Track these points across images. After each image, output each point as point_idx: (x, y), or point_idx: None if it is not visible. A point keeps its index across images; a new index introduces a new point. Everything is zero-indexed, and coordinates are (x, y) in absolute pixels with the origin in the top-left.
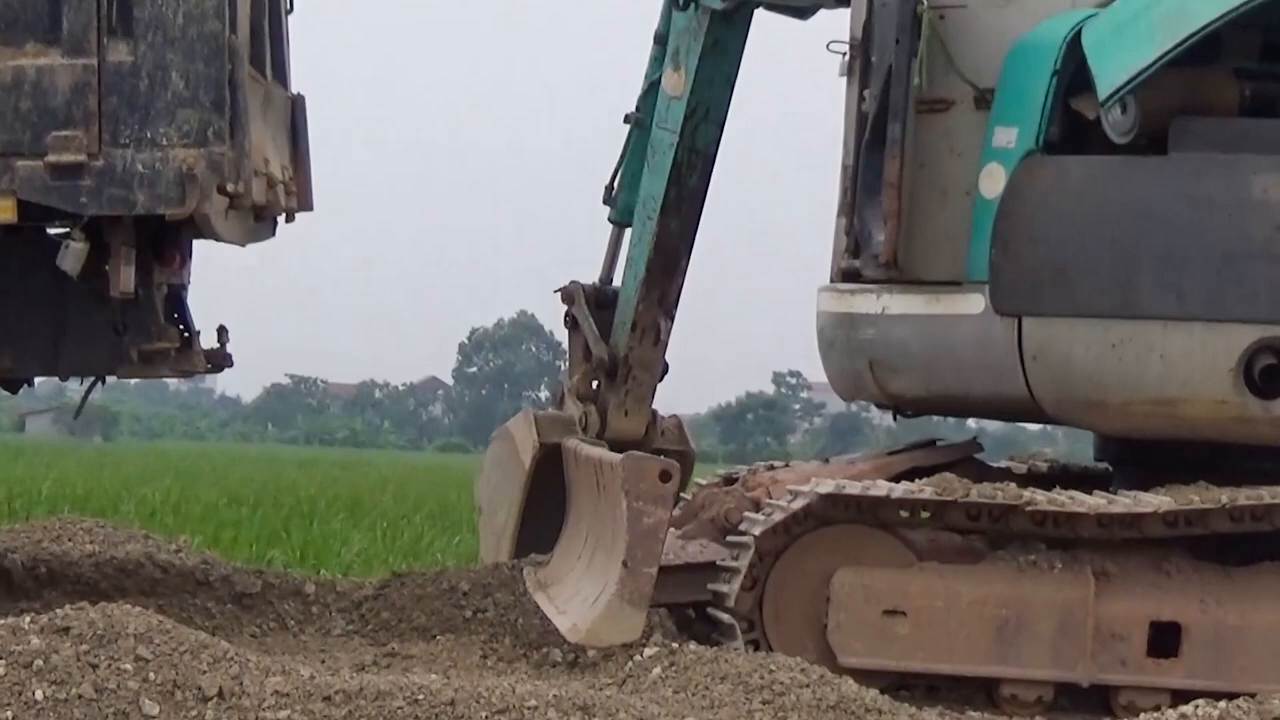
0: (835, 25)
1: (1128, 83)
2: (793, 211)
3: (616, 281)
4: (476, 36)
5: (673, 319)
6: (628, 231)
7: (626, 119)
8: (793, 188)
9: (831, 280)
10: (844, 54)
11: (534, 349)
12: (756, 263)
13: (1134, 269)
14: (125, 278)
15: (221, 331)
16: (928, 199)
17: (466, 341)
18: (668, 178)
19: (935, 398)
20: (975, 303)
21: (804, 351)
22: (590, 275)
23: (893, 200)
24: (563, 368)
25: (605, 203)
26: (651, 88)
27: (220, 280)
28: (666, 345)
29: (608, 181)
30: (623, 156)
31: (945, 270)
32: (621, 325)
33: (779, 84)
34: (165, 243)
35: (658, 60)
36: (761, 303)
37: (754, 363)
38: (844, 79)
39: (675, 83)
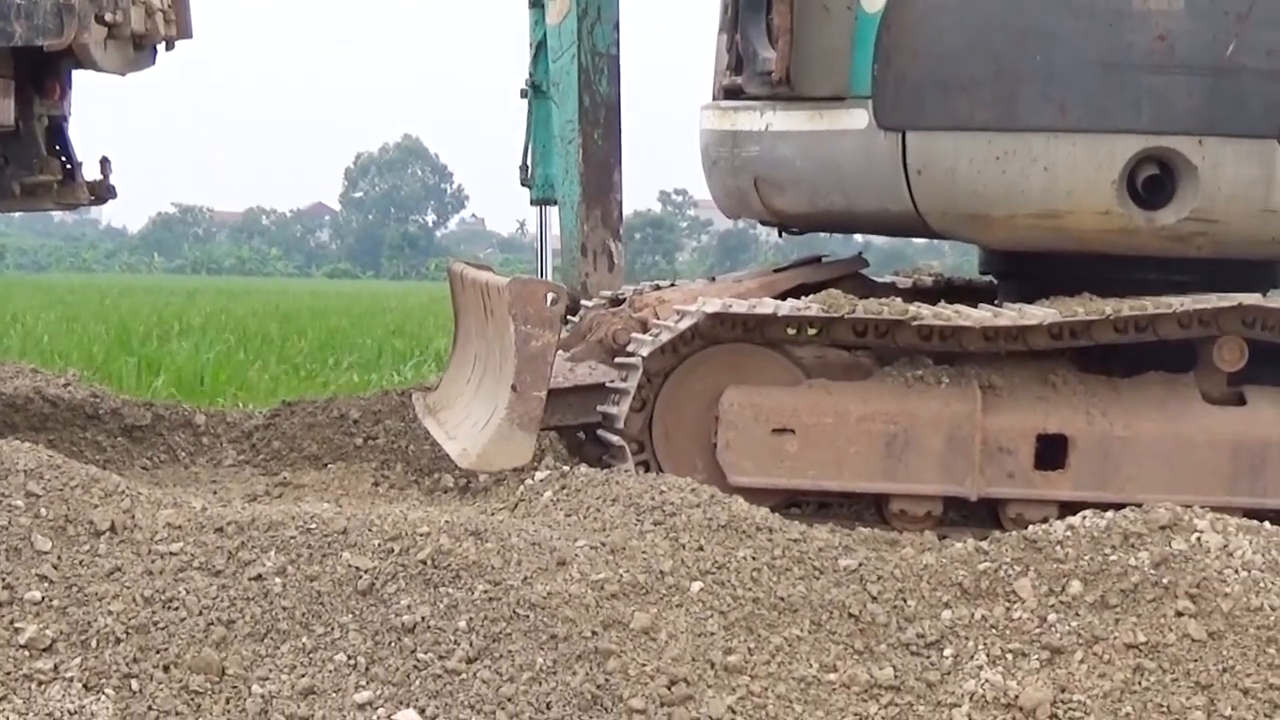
0: None
1: None
2: (675, 28)
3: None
4: None
5: (621, 240)
6: (553, 212)
7: (522, 93)
8: (673, 4)
9: (714, 98)
10: None
11: (420, 172)
12: (641, 81)
13: (1016, 81)
14: (5, 110)
15: (104, 163)
16: (810, 15)
17: (352, 166)
18: (578, 89)
19: (820, 214)
20: (859, 118)
21: (690, 169)
22: (465, 98)
23: (784, 16)
24: (448, 190)
25: (523, 184)
26: (538, 50)
27: (102, 110)
28: (623, 271)
29: (520, 162)
30: (528, 131)
31: (828, 86)
32: (571, 259)
33: None
34: (44, 74)
35: (538, 23)
36: (646, 121)
37: (640, 181)
38: None
39: (558, 8)
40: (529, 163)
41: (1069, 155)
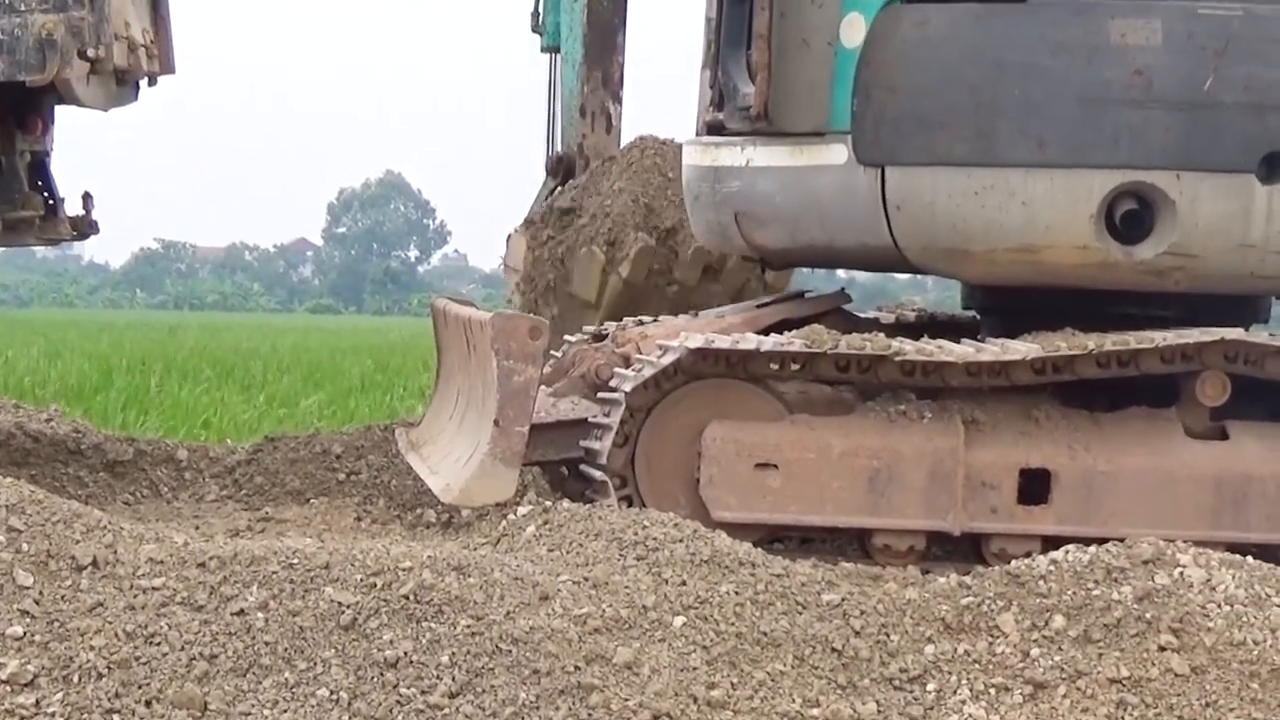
0: None
1: None
2: (658, 66)
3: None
4: None
5: (620, 103)
6: (564, 84)
7: None
8: (657, 40)
9: (697, 134)
10: None
11: (403, 208)
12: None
13: (995, 116)
14: None
15: (87, 198)
16: (790, 50)
17: (335, 202)
18: None
19: (801, 249)
20: (838, 153)
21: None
22: (461, 135)
23: (762, 52)
24: (430, 225)
25: (533, 30)
26: None
27: (85, 146)
28: (620, 134)
29: (531, 9)
30: None
31: (808, 121)
32: (569, 119)
33: None
34: (27, 109)
35: None
36: None
37: None
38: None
39: None
40: (540, 9)
41: (1047, 190)
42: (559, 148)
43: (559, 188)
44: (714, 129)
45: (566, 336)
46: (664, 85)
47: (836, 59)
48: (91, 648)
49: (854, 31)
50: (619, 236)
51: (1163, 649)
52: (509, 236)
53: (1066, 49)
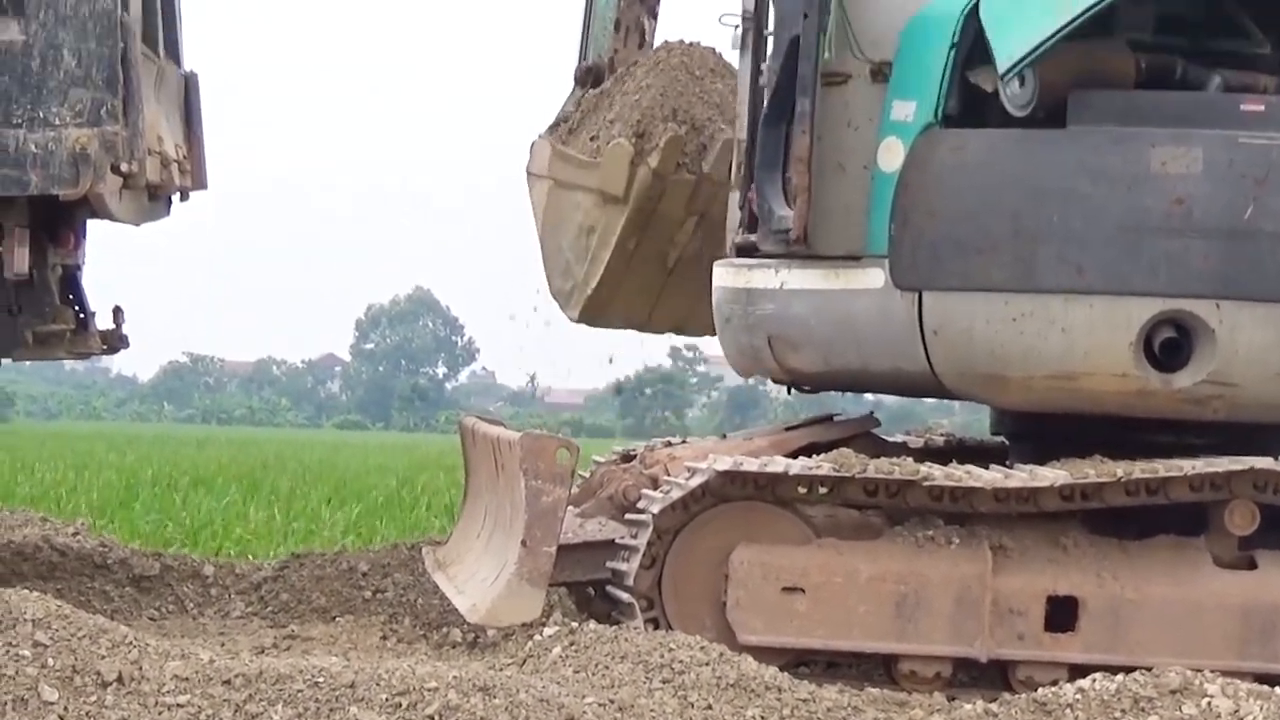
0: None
1: (1027, 56)
2: None
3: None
4: (373, 15)
5: (656, 18)
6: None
7: None
8: None
9: (727, 255)
10: (736, 27)
11: (431, 325)
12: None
13: (1034, 242)
14: (19, 259)
15: (117, 312)
16: (826, 173)
17: (363, 318)
18: None
19: (835, 373)
20: (875, 277)
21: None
22: (472, 252)
23: (802, 175)
24: (459, 342)
25: None
26: None
27: (116, 259)
28: (650, 49)
29: None
30: None
31: (844, 245)
32: (603, 29)
33: None
34: (59, 223)
35: None
36: None
37: (651, 336)
38: (736, 52)
39: None
40: None
41: (1086, 317)
42: (589, 58)
43: (586, 97)
44: (745, 251)
45: (595, 457)
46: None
47: (874, 183)
48: None
49: (892, 156)
50: (648, 128)
51: None
52: (533, 143)
53: (1107, 176)
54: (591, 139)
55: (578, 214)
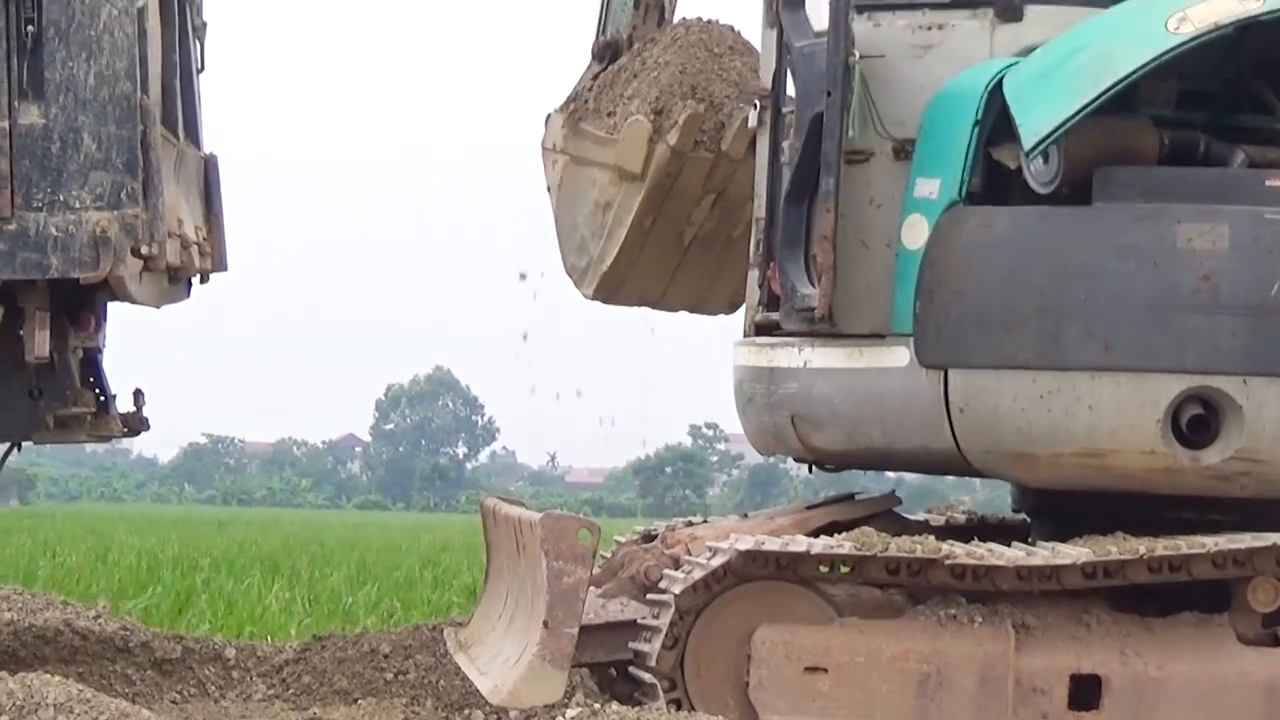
0: None
1: (1052, 132)
2: None
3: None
4: (389, 98)
5: None
6: None
7: None
8: None
9: (746, 334)
10: (754, 105)
11: (451, 404)
12: (670, 314)
13: (1061, 319)
14: (40, 342)
15: (138, 395)
16: (849, 251)
17: (383, 398)
18: None
19: (860, 452)
20: (900, 355)
21: (720, 402)
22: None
23: (827, 254)
24: (479, 422)
25: None
26: None
27: (135, 340)
28: (669, 25)
29: None
30: None
31: (867, 323)
32: (623, 5)
33: None
34: (80, 306)
35: None
36: (677, 355)
37: (670, 414)
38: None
39: None
40: None
41: (1114, 394)
42: (608, 33)
43: (603, 72)
44: (765, 329)
45: (616, 537)
46: None
47: (898, 261)
48: None
49: (916, 233)
50: (666, 105)
51: None
52: (548, 116)
53: (1133, 253)
54: (608, 115)
55: (594, 190)
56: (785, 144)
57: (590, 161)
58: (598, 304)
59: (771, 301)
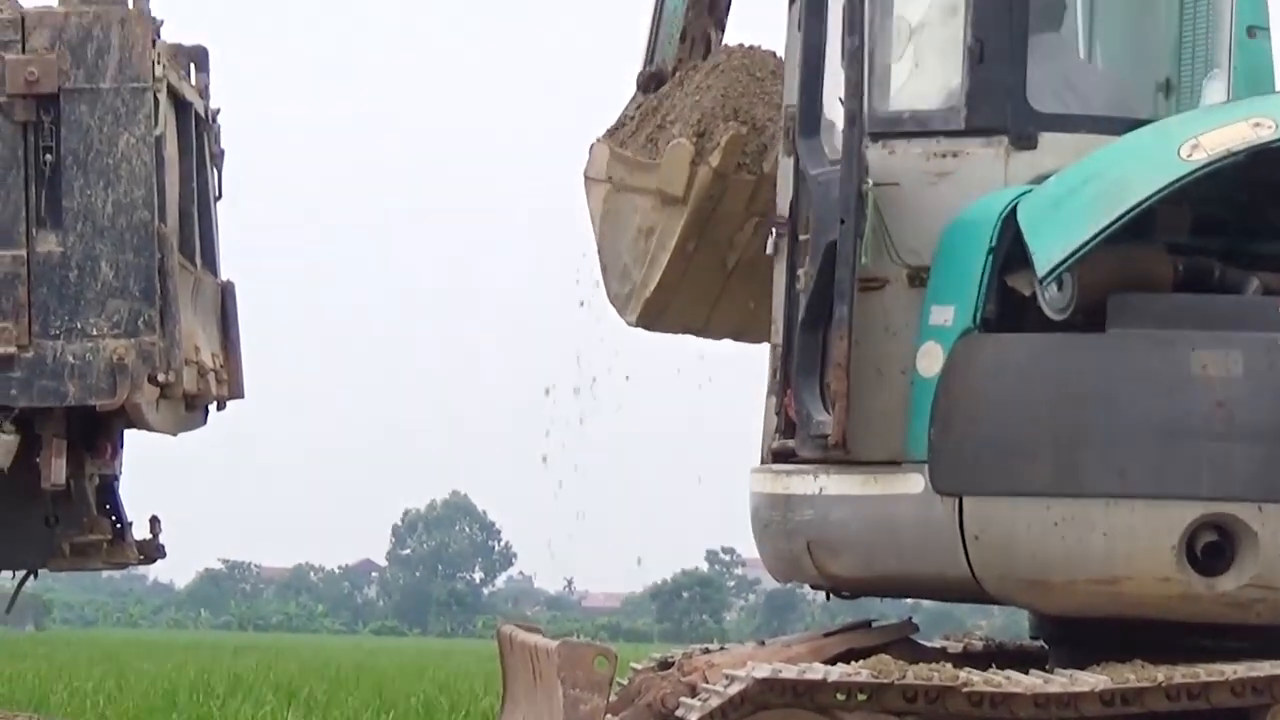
0: None
1: (1066, 260)
2: (721, 389)
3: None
4: (410, 236)
5: (724, 30)
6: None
7: None
8: (719, 368)
9: (763, 461)
10: (771, 232)
11: (467, 530)
12: (687, 441)
13: (1075, 446)
14: (56, 470)
15: (154, 522)
16: (863, 379)
17: (400, 523)
18: None
19: (876, 579)
20: (915, 482)
21: (737, 528)
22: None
23: (840, 381)
24: (496, 547)
25: None
26: None
27: (151, 467)
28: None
29: None
30: None
31: (882, 450)
32: (669, 38)
33: None
34: (96, 433)
35: None
36: (693, 480)
37: (687, 540)
38: (771, 256)
39: None
40: None
41: (1128, 521)
42: (654, 64)
43: (646, 101)
44: (781, 456)
45: (633, 664)
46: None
47: (913, 388)
48: None
49: (931, 361)
50: (709, 128)
51: None
52: (591, 146)
53: (1148, 379)
54: (649, 141)
55: (635, 216)
56: (801, 270)
57: (633, 188)
58: (617, 430)
59: (788, 428)
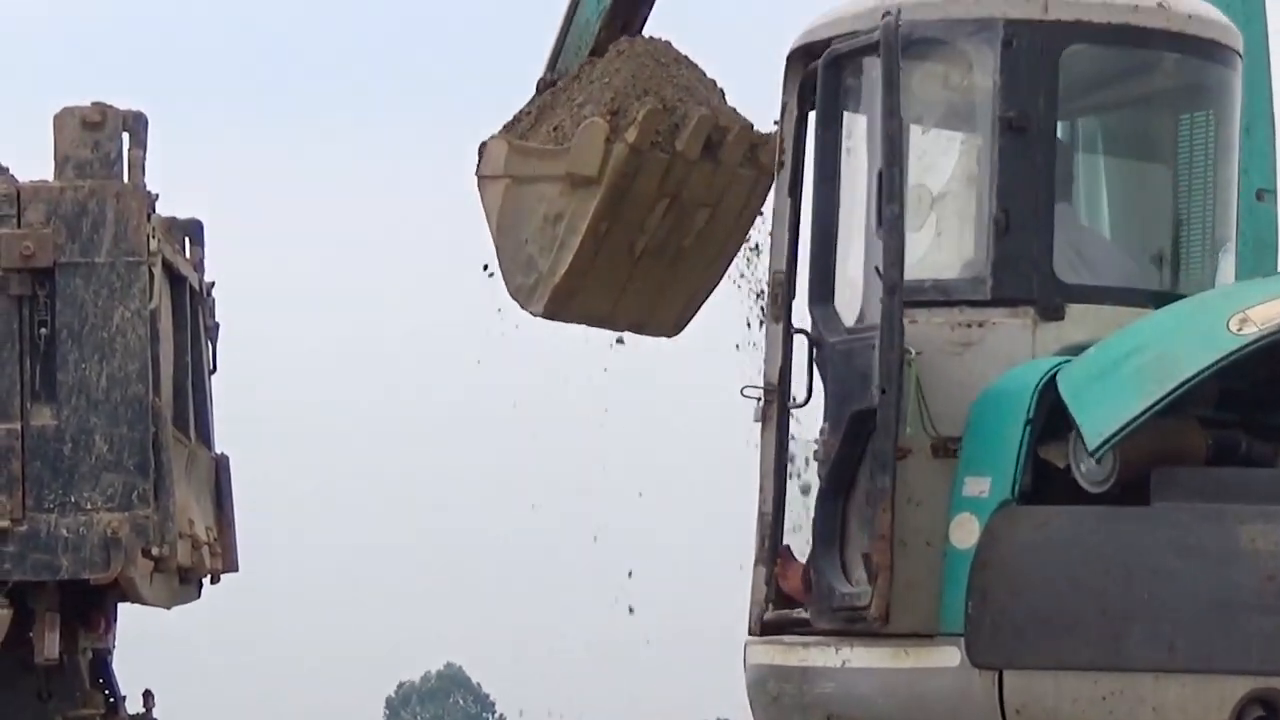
0: (747, 372)
1: (1117, 433)
2: (696, 567)
3: None
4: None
5: None
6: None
7: None
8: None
9: (752, 631)
10: (759, 399)
11: (462, 702)
12: (673, 618)
13: (1123, 620)
14: (49, 644)
15: (147, 696)
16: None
17: (394, 695)
18: None
19: None
20: (950, 655)
21: (725, 702)
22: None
23: (884, 554)
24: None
25: None
26: None
27: (146, 641)
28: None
29: None
30: None
31: (910, 622)
32: (577, 48)
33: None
34: (90, 607)
35: None
36: (695, 649)
37: (674, 713)
38: (759, 424)
39: None
40: None
41: (1178, 696)
42: (558, 70)
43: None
44: (774, 628)
45: None
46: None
47: (946, 560)
48: None
49: (967, 533)
50: (622, 105)
51: None
52: (483, 144)
53: (1197, 554)
54: (554, 129)
55: (541, 205)
56: (816, 440)
57: (536, 178)
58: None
59: (780, 599)
